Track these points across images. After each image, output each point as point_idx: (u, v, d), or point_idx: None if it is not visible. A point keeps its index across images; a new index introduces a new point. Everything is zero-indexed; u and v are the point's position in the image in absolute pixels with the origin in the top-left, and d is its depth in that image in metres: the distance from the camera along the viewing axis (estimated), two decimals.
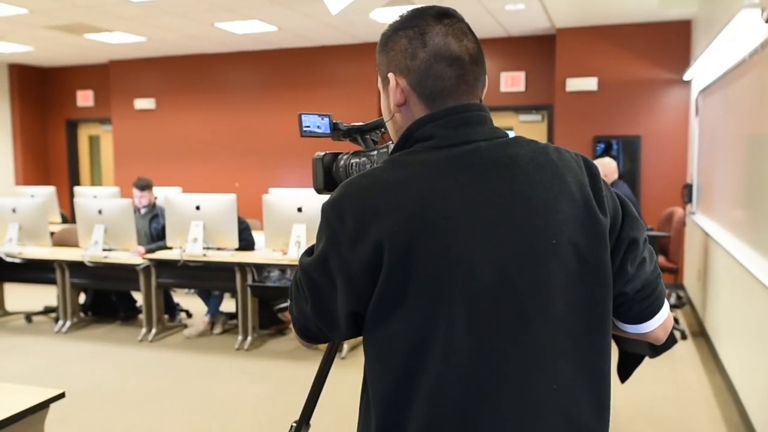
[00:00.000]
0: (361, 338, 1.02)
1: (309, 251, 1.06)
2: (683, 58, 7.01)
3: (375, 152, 1.32)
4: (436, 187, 0.94)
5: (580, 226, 0.98)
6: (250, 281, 5.10)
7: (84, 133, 10.68)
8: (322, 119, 1.37)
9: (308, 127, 1.36)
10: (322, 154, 1.39)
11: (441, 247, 0.92)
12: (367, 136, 1.42)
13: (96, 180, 10.77)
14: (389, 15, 6.81)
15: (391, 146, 1.25)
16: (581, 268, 0.98)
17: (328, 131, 1.38)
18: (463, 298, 0.92)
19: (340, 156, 1.39)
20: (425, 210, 0.93)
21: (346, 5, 5.44)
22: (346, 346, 4.85)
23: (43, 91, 10.46)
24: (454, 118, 1.00)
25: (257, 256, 5.20)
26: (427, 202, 0.93)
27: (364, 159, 1.35)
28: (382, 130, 1.42)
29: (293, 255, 4.86)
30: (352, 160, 1.37)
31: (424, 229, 0.92)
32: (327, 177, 1.39)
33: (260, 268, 5.14)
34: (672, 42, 7.07)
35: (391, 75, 1.04)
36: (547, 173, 0.99)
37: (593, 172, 1.04)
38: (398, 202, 0.93)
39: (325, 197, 1.07)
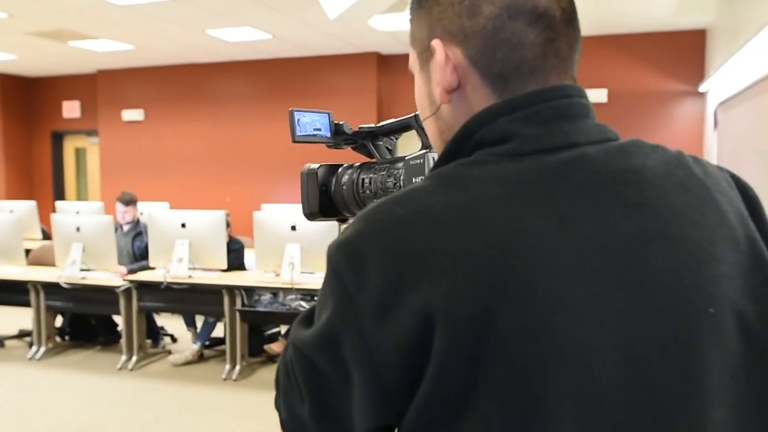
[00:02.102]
0: None
1: (307, 318, 0.68)
2: (697, 69, 6.68)
3: (401, 164, 0.94)
4: (522, 220, 0.57)
5: (746, 284, 0.61)
6: (239, 305, 4.70)
7: (70, 146, 10.28)
8: (321, 118, 0.99)
9: (303, 129, 0.98)
10: (316, 166, 1.01)
11: (536, 323, 0.55)
12: (380, 143, 1.04)
13: (82, 194, 10.36)
14: (388, 22, 6.47)
15: (430, 156, 0.88)
16: (750, 351, 0.60)
17: (329, 135, 1.00)
18: (574, 407, 0.55)
19: (341, 170, 1.02)
20: (507, 259, 0.56)
21: (344, 9, 5.09)
22: (238, 367, 4.44)
23: (28, 101, 10.07)
24: (543, 108, 0.63)
25: (247, 278, 4.80)
26: (510, 245, 0.56)
27: (382, 174, 0.97)
28: (395, 137, 1.05)
29: (286, 277, 4.47)
30: (362, 176, 0.99)
31: (506, 292, 0.55)
32: (323, 197, 1.01)
33: (250, 291, 4.74)
34: (685, 52, 6.74)
35: (436, 42, 0.67)
36: (695, 198, 0.62)
37: (750, 195, 0.67)
38: (460, 245, 0.56)
39: (328, 229, 0.70)
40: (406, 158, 0.94)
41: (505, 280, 0.55)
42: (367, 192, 0.98)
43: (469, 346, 0.54)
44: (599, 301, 0.56)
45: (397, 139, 1.04)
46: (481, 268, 0.55)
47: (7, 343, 5.69)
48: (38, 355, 5.21)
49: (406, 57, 6.83)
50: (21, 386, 4.62)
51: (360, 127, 1.01)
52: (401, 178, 0.94)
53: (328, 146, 1.03)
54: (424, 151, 0.92)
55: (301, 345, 0.64)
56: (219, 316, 4.93)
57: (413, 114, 0.98)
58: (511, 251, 0.55)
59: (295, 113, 0.96)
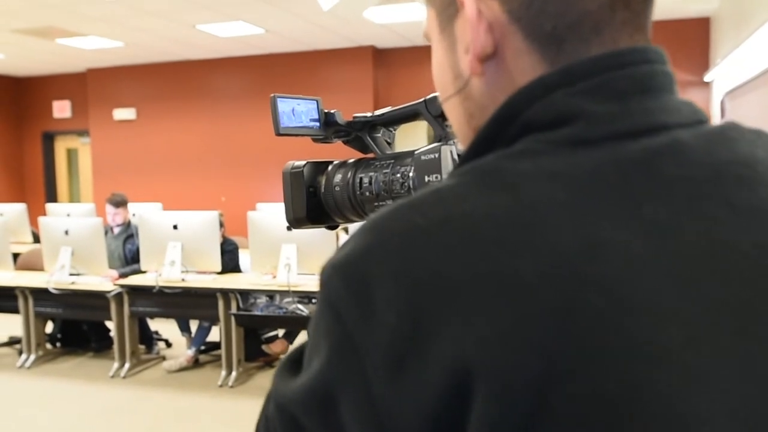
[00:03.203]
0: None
1: (293, 362, 0.51)
2: (702, 58, 6.52)
3: (409, 160, 0.78)
4: (596, 233, 0.40)
5: None
6: (234, 309, 4.53)
7: (61, 146, 10.09)
8: (308, 106, 0.83)
9: (288, 119, 0.82)
10: (302, 164, 0.85)
11: (624, 384, 0.38)
12: (379, 135, 0.88)
13: (74, 196, 10.18)
14: (384, 14, 6.30)
15: (447, 150, 0.71)
16: None
17: (318, 126, 0.84)
18: None
19: (331, 168, 0.86)
20: (579, 290, 0.39)
21: (338, 0, 4.92)
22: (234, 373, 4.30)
23: (17, 101, 9.87)
24: (616, 77, 0.46)
25: (242, 280, 4.64)
26: (582, 270, 0.39)
27: (385, 172, 0.80)
28: (394, 129, 0.88)
29: (282, 279, 4.31)
30: (359, 175, 0.83)
31: (580, 339, 0.38)
32: (311, 201, 0.85)
33: (246, 294, 4.57)
34: (689, 41, 6.58)
35: None
36: None
37: None
38: (508, 269, 0.40)
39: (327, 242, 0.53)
40: (416, 152, 0.78)
41: (578, 322, 0.38)
42: (367, 194, 0.82)
43: (527, 417, 0.37)
44: (709, 350, 0.39)
45: (395, 130, 0.88)
46: (541, 304, 0.38)
47: None
48: (28, 363, 5.03)
49: (403, 50, 6.66)
50: (11, 395, 4.45)
51: (355, 117, 0.85)
52: (410, 176, 0.78)
53: (315, 140, 0.86)
54: (438, 144, 0.75)
55: (285, 402, 0.48)
56: (214, 321, 4.76)
57: (422, 99, 0.81)
58: (584, 279, 0.39)
59: (278, 100, 0.79)
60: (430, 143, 0.79)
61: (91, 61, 8.66)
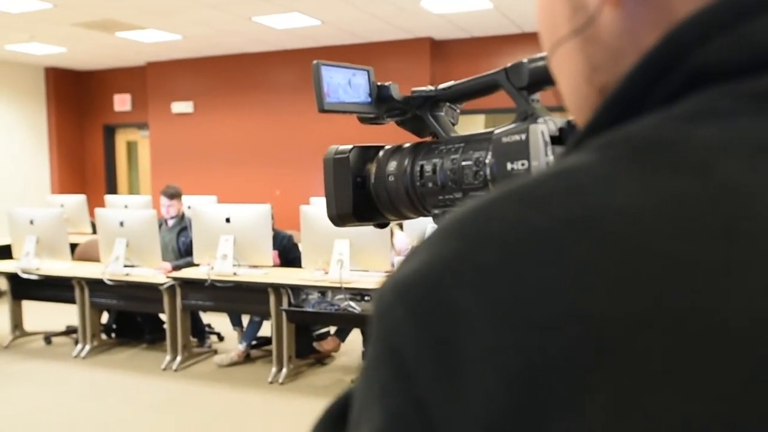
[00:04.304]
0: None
1: (333, 420, 0.37)
2: None
3: (486, 142, 0.61)
4: None
5: None
6: (285, 305, 4.44)
7: (122, 139, 10.26)
8: (357, 77, 0.68)
9: (334, 93, 0.67)
10: (347, 148, 0.70)
11: None
12: (442, 113, 0.72)
13: (134, 188, 10.34)
14: (442, 4, 6.11)
15: (539, 129, 0.55)
16: None
17: (369, 101, 0.69)
18: None
19: (383, 154, 0.71)
20: None
21: None
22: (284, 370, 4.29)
23: (79, 95, 10.08)
24: None
25: (294, 276, 4.54)
26: None
27: (453, 159, 0.64)
28: (456, 109, 0.73)
29: (334, 275, 4.19)
30: (420, 162, 0.67)
31: None
32: (358, 193, 0.70)
33: (297, 289, 4.48)
34: None
35: None
36: None
37: None
38: (706, 304, 0.23)
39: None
40: (495, 132, 0.62)
41: None
42: (429, 185, 0.66)
43: None
44: None
45: (459, 110, 0.72)
46: None
47: (55, 340, 5.59)
48: (83, 354, 5.08)
49: (461, 42, 6.44)
50: (65, 386, 4.48)
51: (413, 91, 0.69)
52: (486, 163, 0.62)
53: (363, 120, 0.71)
54: (524, 122, 0.59)
55: None
56: (265, 316, 4.69)
57: (502, 68, 0.65)
58: None
59: (322, 68, 0.64)
60: (508, 123, 0.63)
61: (150, 55, 8.74)
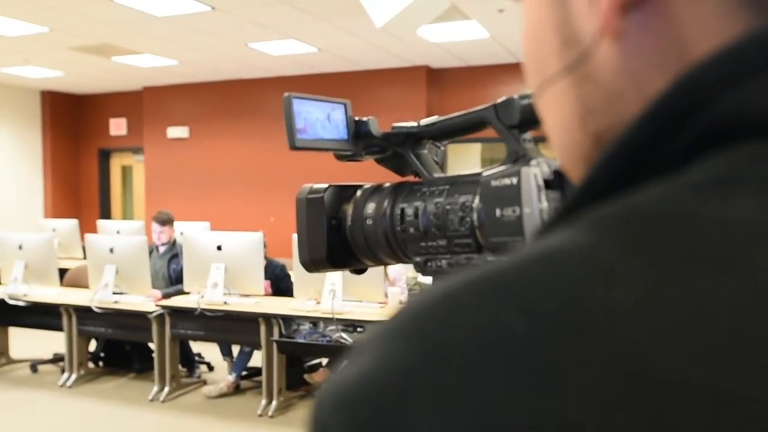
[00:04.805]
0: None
1: None
2: None
3: (473, 185, 0.56)
4: None
5: None
6: (276, 335, 4.35)
7: (116, 163, 10.22)
8: (333, 111, 0.62)
9: (308, 128, 0.61)
10: (323, 188, 0.64)
11: None
12: (425, 151, 0.66)
13: (128, 213, 10.27)
14: (439, 32, 6.12)
15: (531, 173, 0.50)
16: None
17: (346, 137, 0.63)
18: None
19: (360, 194, 0.65)
20: None
21: (392, 17, 4.76)
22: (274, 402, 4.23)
23: (75, 118, 10.05)
24: None
25: (285, 306, 4.46)
26: None
27: (437, 202, 0.58)
28: (439, 146, 0.67)
29: (327, 306, 4.11)
30: (401, 204, 0.61)
31: None
32: (333, 237, 0.64)
33: (289, 320, 4.39)
34: None
35: None
36: None
37: None
38: None
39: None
40: (483, 175, 0.56)
41: None
42: (411, 230, 0.60)
43: None
44: None
45: (444, 147, 0.66)
46: None
47: (41, 368, 5.47)
48: (69, 383, 4.96)
49: (457, 70, 6.44)
50: (50, 416, 4.37)
51: (394, 127, 0.63)
52: (473, 208, 0.56)
53: (340, 157, 0.65)
54: (514, 164, 0.53)
55: None
56: (256, 346, 4.59)
57: (491, 104, 0.60)
58: None
59: (294, 101, 0.59)
60: (498, 164, 0.57)
61: (146, 80, 8.74)
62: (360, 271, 0.69)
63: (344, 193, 0.66)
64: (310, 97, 0.61)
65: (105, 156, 10.14)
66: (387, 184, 0.65)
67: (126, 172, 10.25)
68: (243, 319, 4.44)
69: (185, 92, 9.05)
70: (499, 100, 0.58)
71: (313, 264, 0.65)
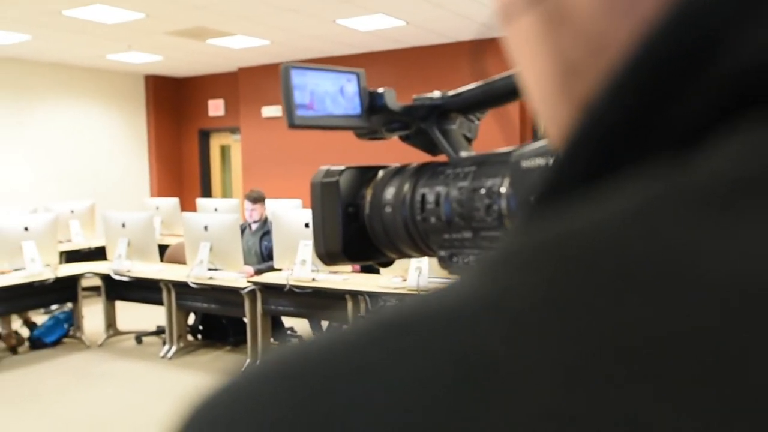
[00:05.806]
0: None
1: None
2: None
3: (503, 166, 0.47)
4: None
5: None
6: (362, 312, 4.34)
7: (216, 143, 10.56)
8: (342, 83, 0.54)
9: (313, 103, 0.53)
10: (338, 170, 0.56)
11: None
12: (454, 126, 0.56)
13: (227, 191, 10.61)
14: None
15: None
16: None
17: (359, 112, 0.55)
18: None
19: (381, 176, 0.57)
20: None
21: None
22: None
23: (176, 101, 10.44)
24: None
25: (372, 282, 4.45)
26: None
27: (462, 186, 0.50)
28: (473, 120, 0.57)
29: (412, 283, 4.06)
30: (422, 189, 0.53)
31: None
32: (350, 226, 0.55)
33: (375, 296, 4.37)
34: None
35: None
36: None
37: None
38: None
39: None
40: (513, 154, 0.46)
41: None
42: (432, 220, 0.52)
43: None
44: None
45: (479, 120, 0.57)
46: None
47: (145, 339, 5.76)
48: (170, 354, 5.19)
49: None
50: (149, 387, 4.58)
51: (415, 99, 0.55)
52: (502, 194, 0.47)
53: (360, 135, 0.57)
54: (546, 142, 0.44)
55: None
56: (344, 322, 4.61)
57: None
58: None
59: (292, 73, 0.51)
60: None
61: (241, 61, 8.93)
62: (385, 264, 0.61)
63: (364, 176, 0.58)
64: (314, 68, 0.54)
65: (205, 136, 10.49)
66: (412, 165, 0.57)
67: (225, 151, 10.57)
68: (331, 295, 4.47)
69: (277, 72, 9.11)
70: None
71: (329, 257, 0.58)
